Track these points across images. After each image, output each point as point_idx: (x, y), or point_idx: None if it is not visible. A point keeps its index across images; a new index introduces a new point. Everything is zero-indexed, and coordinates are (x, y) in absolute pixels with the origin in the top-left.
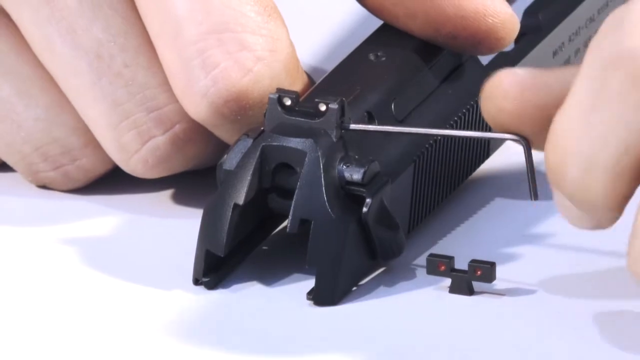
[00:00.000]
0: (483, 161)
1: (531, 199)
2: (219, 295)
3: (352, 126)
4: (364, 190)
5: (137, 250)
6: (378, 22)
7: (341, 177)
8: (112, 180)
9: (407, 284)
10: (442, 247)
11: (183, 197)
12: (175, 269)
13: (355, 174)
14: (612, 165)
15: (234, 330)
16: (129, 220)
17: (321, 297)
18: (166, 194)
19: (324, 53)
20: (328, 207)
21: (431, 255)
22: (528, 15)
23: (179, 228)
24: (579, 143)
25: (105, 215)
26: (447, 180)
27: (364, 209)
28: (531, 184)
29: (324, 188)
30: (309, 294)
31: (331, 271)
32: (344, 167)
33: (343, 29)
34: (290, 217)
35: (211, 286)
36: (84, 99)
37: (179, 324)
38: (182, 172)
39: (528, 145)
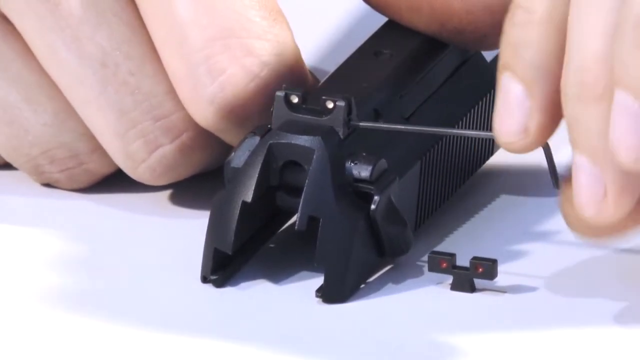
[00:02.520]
0: (487, 158)
1: (555, 187)
2: (227, 293)
3: (360, 124)
4: (372, 187)
5: (142, 249)
6: (379, 20)
7: (349, 174)
8: (115, 179)
9: (408, 281)
10: (444, 245)
11: (187, 196)
12: (181, 267)
13: (363, 171)
14: None
15: (243, 328)
16: (133, 219)
17: (330, 294)
18: (170, 193)
19: (325, 52)
20: (336, 204)
21: (432, 252)
22: None
23: (183, 227)
24: None
25: (109, 214)
26: (453, 177)
27: (372, 206)
28: (552, 174)
29: (332, 185)
30: (317, 291)
31: (340, 268)
32: (352, 164)
33: (344, 28)
34: (298, 214)
35: (219, 284)
36: (90, 108)
37: (188, 322)
38: None
39: (547, 145)
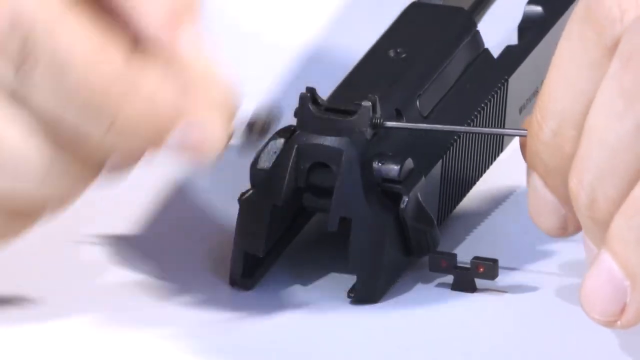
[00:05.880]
0: (498, 156)
1: None
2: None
3: (386, 124)
4: (400, 186)
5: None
6: (378, 21)
7: (377, 174)
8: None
9: (408, 281)
10: (444, 245)
11: (207, 198)
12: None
13: (391, 171)
14: None
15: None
16: (155, 224)
17: (363, 295)
18: (191, 196)
19: (331, 53)
20: (367, 204)
21: (433, 252)
22: (531, 7)
23: (204, 229)
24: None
25: (131, 218)
26: (469, 174)
27: (402, 206)
28: None
29: (362, 186)
30: (349, 292)
31: (373, 269)
32: (379, 164)
33: (349, 28)
34: (329, 215)
35: (249, 287)
36: None
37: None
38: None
39: None
